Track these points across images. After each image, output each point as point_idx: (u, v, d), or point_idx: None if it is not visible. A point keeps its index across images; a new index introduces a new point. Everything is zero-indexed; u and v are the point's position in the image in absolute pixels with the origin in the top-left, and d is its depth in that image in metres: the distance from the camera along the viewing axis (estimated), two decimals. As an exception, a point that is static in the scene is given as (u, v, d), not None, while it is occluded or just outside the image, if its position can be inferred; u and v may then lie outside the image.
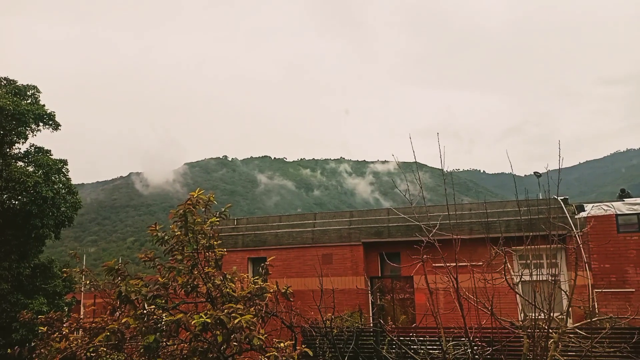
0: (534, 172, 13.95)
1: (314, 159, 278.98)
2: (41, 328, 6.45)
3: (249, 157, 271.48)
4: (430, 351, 7.79)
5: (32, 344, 6.66)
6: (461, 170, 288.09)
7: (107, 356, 6.28)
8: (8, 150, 26.08)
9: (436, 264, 7.08)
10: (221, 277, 5.39)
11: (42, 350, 6.42)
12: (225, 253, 5.88)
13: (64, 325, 6.62)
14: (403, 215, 13.57)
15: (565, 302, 7.01)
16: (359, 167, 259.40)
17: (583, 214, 13.58)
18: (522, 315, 7.39)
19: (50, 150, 27.56)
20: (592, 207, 13.77)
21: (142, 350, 5.65)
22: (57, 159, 27.16)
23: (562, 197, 13.99)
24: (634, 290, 13.30)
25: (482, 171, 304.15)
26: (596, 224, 12.96)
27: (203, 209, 5.80)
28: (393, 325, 11.53)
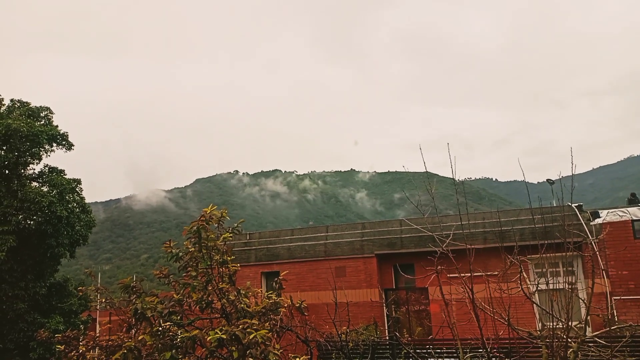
0: (547, 180, 13.83)
1: (324, 171, 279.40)
2: (58, 347, 6.49)
3: (260, 171, 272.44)
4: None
5: (50, 362, 6.70)
6: (473, 179, 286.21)
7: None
8: (22, 171, 26.47)
9: (451, 275, 7.03)
10: (235, 293, 5.40)
11: (59, 369, 6.46)
12: (239, 268, 5.89)
13: (81, 343, 6.66)
14: (416, 226, 13.49)
15: (583, 311, 6.90)
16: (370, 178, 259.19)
17: (598, 221, 13.41)
18: (540, 324, 7.29)
19: (64, 170, 27.94)
20: (608, 213, 13.60)
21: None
22: (70, 179, 27.51)
23: (576, 204, 13.85)
24: (653, 296, 13.06)
25: (494, 179, 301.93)
26: (612, 230, 12.78)
27: (216, 225, 5.83)
28: (409, 338, 11.42)
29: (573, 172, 5.63)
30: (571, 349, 6.42)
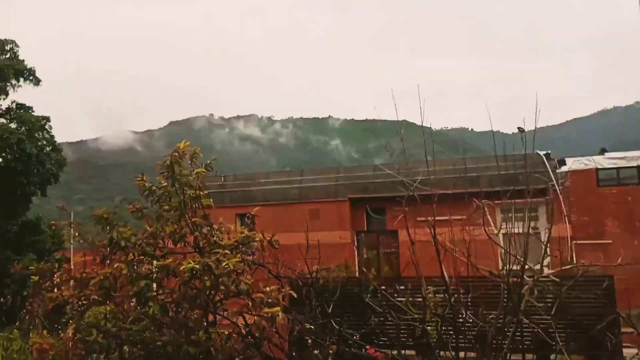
0: (518, 128, 14.07)
1: (301, 117, 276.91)
2: (33, 277, 6.58)
3: (236, 115, 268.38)
4: (411, 299, 8.11)
5: (25, 293, 6.81)
6: (449, 128, 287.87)
7: (98, 306, 6.46)
8: (-11, 106, 25.67)
9: (419, 218, 7.31)
10: (208, 227, 5.54)
11: (34, 299, 6.58)
12: (212, 203, 6.01)
13: (55, 275, 6.76)
14: (388, 171, 13.76)
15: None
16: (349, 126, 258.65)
17: (564, 168, 13.86)
18: (502, 265, 7.70)
19: (32, 107, 27.16)
20: (574, 161, 14.04)
21: (132, 298, 5.85)
22: (39, 116, 26.81)
23: (544, 152, 14.24)
24: (611, 241, 13.76)
25: (470, 129, 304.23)
26: (576, 178, 13.26)
27: (189, 161, 5.88)
28: (375, 275, 11.87)
29: (536, 118, 5.81)
30: (526, 286, 6.84)
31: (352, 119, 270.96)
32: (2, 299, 7.18)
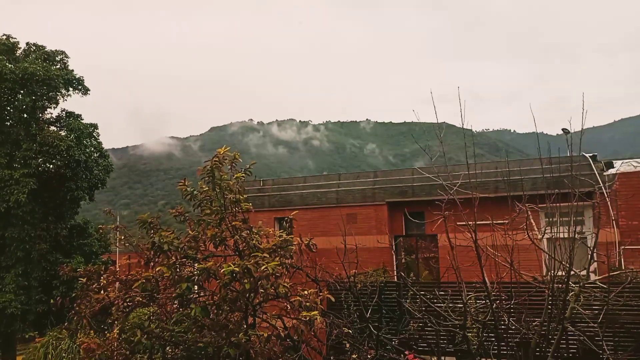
0: (562, 129, 13.65)
1: (339, 121, 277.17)
2: (81, 279, 6.84)
3: (274, 120, 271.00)
4: (451, 304, 7.98)
5: (73, 295, 7.08)
6: (490, 130, 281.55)
7: (142, 307, 6.66)
8: (40, 115, 26.81)
9: (459, 222, 7.20)
10: (248, 231, 5.62)
11: (82, 300, 6.84)
12: (251, 207, 6.10)
13: (102, 277, 7.00)
14: (427, 175, 13.61)
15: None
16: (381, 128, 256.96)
17: (612, 171, 13.36)
18: (546, 271, 7.49)
19: (80, 115, 28.24)
20: (622, 163, 13.51)
21: (175, 300, 6.00)
22: (87, 123, 27.83)
23: (590, 154, 13.77)
24: (662, 247, 13.15)
25: (512, 131, 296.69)
26: (625, 180, 12.74)
27: (229, 166, 5.99)
28: (415, 279, 11.75)
29: (583, 118, 5.62)
30: (572, 292, 6.62)
31: (390, 122, 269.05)
32: (51, 301, 7.48)
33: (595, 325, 6.71)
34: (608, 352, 6.78)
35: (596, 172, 13.14)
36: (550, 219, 7.18)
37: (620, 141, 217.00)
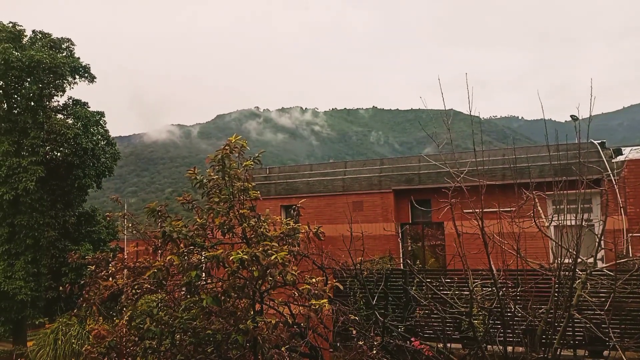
0: (571, 116, 13.52)
1: (345, 108, 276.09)
2: (89, 267, 6.91)
3: (281, 107, 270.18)
4: (458, 292, 8.01)
5: (82, 282, 7.16)
6: (498, 117, 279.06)
7: (150, 294, 6.74)
8: (47, 103, 26.87)
9: (466, 210, 7.19)
10: (255, 219, 5.65)
11: (91, 287, 6.92)
12: (259, 195, 6.12)
13: (110, 264, 7.08)
14: (434, 162, 13.55)
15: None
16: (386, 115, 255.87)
17: (620, 158, 13.25)
18: (552, 258, 7.48)
19: (87, 103, 28.29)
20: (631, 150, 13.39)
21: (183, 287, 6.06)
22: (94, 111, 27.90)
23: (599, 141, 13.65)
24: (670, 235, 13.06)
25: (520, 118, 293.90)
26: (634, 168, 12.64)
27: (237, 155, 6.00)
28: (421, 266, 11.76)
29: (591, 105, 5.57)
30: (579, 280, 6.63)
31: (397, 109, 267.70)
32: (60, 287, 7.57)
33: (602, 312, 6.71)
34: (614, 340, 6.79)
35: (604, 159, 13.04)
36: (558, 207, 7.16)
37: (629, 128, 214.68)
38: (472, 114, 6.98)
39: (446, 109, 7.23)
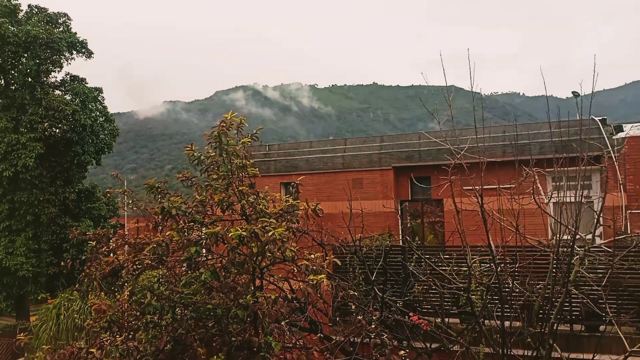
0: (573, 92, 13.45)
1: (345, 85, 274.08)
2: (90, 242, 6.95)
3: (280, 84, 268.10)
4: (456, 267, 8.06)
5: (83, 257, 7.21)
6: (499, 93, 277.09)
7: (151, 270, 6.79)
8: (45, 79, 26.68)
9: (466, 187, 7.19)
10: (254, 195, 5.65)
11: (92, 263, 6.97)
12: (258, 172, 6.11)
13: (111, 240, 7.11)
14: (434, 139, 13.51)
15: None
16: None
17: (621, 135, 13.20)
18: (551, 235, 7.51)
19: (85, 79, 28.07)
20: (632, 127, 13.34)
21: (183, 262, 6.10)
22: (92, 87, 27.70)
23: (600, 118, 13.58)
24: (669, 212, 13.10)
25: (521, 94, 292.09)
26: (634, 144, 12.60)
27: (235, 132, 5.97)
28: (420, 243, 11.83)
29: (594, 81, 5.52)
30: (577, 256, 6.66)
31: (397, 85, 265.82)
32: (62, 263, 7.62)
33: (599, 288, 6.77)
34: (611, 315, 6.86)
35: (605, 136, 12.99)
36: (558, 183, 7.16)
37: (631, 104, 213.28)
38: (474, 90, 6.92)
39: (447, 85, 7.16)
